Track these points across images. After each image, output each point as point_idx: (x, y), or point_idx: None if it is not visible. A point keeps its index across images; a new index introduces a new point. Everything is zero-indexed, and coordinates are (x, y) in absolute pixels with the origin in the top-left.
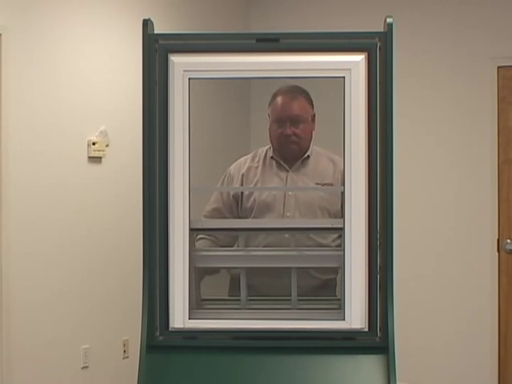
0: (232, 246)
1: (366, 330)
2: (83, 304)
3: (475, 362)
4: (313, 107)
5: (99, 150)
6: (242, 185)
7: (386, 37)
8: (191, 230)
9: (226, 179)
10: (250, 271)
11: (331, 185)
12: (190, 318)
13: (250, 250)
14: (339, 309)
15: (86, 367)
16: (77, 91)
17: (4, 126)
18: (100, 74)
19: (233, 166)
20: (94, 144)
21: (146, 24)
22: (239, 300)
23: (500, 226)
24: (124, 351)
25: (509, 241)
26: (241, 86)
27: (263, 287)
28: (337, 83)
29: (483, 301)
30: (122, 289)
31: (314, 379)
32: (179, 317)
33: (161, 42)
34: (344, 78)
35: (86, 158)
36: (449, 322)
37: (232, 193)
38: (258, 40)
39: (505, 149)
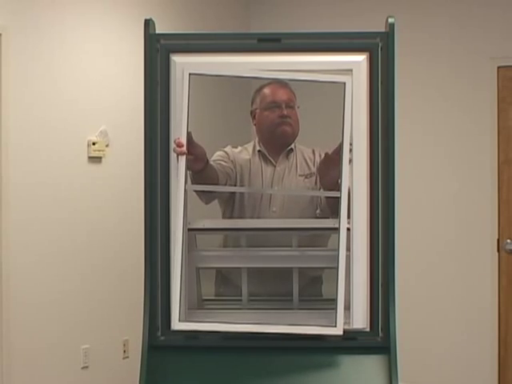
0: None
1: (368, 330)
2: (83, 304)
3: (475, 361)
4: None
5: (99, 150)
6: (236, 165)
7: (388, 37)
8: (190, 230)
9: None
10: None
11: (314, 174)
12: (190, 320)
13: (252, 250)
14: None
15: (86, 367)
16: (77, 91)
17: (4, 126)
18: (100, 74)
19: (226, 148)
20: (94, 144)
21: (148, 24)
22: (240, 300)
23: (500, 226)
24: (124, 351)
25: (509, 241)
26: (241, 85)
27: (260, 286)
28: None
29: (483, 301)
30: (122, 289)
31: (315, 379)
32: (176, 319)
33: (162, 41)
34: (345, 84)
35: (86, 158)
36: (449, 321)
37: (231, 167)
38: (260, 40)
39: (505, 149)
